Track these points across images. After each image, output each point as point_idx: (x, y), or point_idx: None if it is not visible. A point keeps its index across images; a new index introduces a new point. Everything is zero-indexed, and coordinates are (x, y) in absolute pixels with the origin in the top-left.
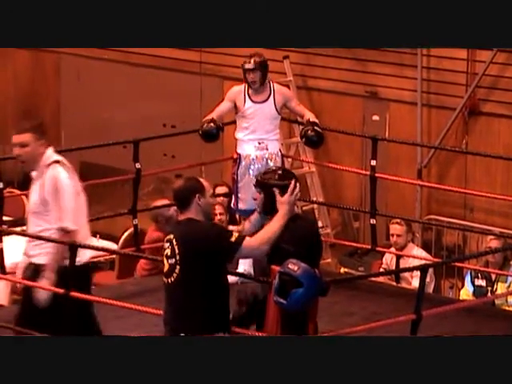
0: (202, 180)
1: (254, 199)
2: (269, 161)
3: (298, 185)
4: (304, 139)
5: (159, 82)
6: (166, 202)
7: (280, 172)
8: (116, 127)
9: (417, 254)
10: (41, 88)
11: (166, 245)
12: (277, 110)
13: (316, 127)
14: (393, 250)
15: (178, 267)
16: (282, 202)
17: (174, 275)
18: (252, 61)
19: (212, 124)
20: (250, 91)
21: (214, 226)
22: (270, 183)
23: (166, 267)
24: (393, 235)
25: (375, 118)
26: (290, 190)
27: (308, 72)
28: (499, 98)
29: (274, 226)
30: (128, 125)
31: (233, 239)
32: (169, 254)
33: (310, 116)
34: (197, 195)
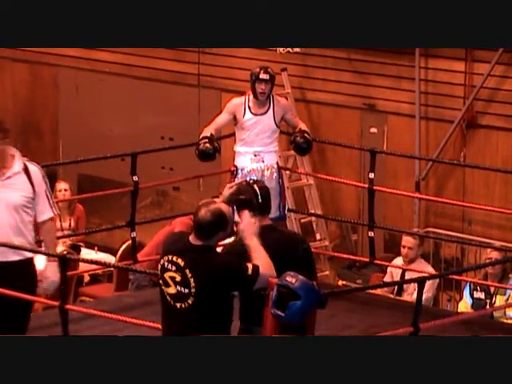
0: (226, 210)
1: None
2: (265, 173)
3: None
4: (293, 145)
5: (157, 95)
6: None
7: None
8: (114, 139)
9: (423, 269)
10: (39, 101)
11: (172, 267)
12: (275, 122)
13: (306, 135)
14: (397, 261)
15: (192, 299)
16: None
17: (186, 304)
18: (268, 72)
19: (208, 145)
20: (251, 103)
21: (231, 259)
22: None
23: (173, 290)
24: (404, 247)
25: (373, 130)
26: (242, 220)
27: (306, 84)
28: (497, 111)
29: (260, 252)
30: (126, 137)
31: (250, 272)
32: (178, 279)
33: (302, 126)
34: (220, 233)
